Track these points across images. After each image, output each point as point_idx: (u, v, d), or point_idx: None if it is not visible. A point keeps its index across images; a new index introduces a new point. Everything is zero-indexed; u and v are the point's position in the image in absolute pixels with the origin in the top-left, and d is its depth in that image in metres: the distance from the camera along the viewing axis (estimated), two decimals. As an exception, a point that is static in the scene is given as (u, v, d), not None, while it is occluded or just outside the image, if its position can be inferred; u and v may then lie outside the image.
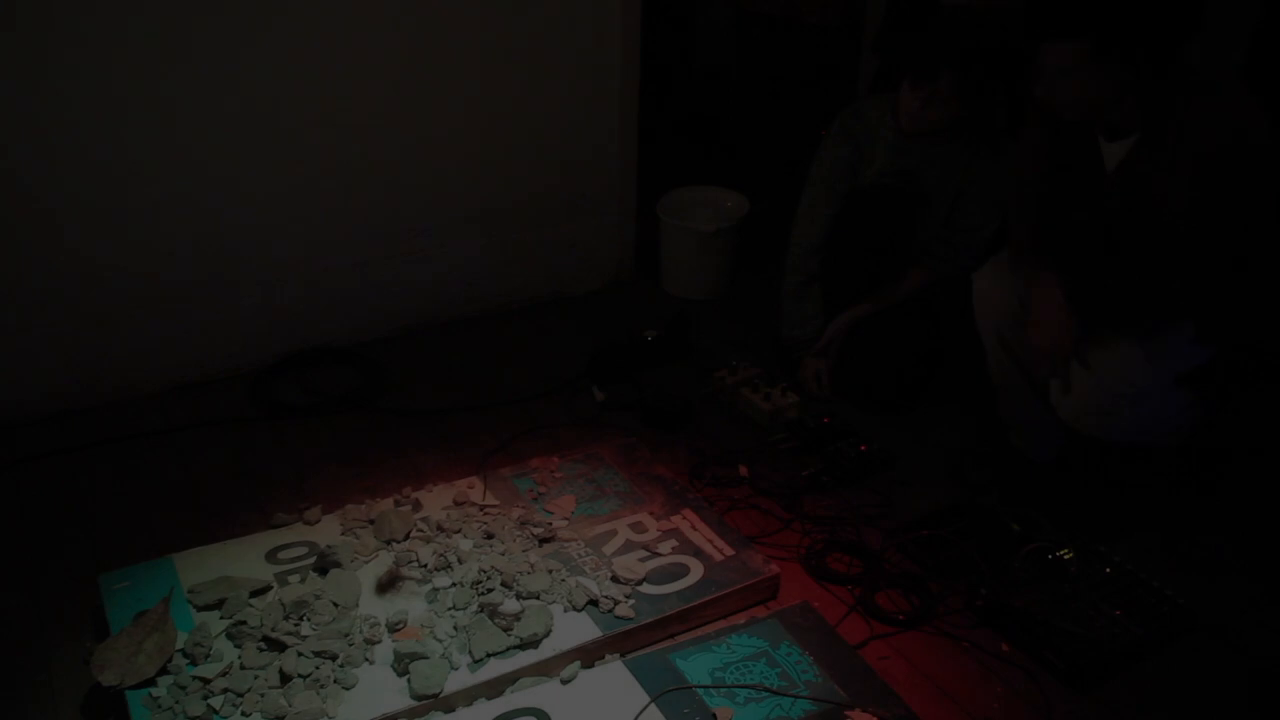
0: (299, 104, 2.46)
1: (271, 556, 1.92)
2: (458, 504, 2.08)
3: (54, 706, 1.69)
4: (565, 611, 1.82)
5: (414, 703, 1.64)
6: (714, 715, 1.64)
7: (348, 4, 2.43)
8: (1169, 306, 1.93)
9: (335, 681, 1.65)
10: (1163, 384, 1.94)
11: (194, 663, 1.67)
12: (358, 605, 1.81)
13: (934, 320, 2.59)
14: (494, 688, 1.69)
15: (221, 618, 1.77)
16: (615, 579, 1.89)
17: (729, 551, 1.99)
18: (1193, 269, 1.85)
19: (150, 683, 1.64)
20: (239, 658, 1.68)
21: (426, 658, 1.68)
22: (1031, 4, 1.81)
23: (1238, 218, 1.79)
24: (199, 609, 1.78)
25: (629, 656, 1.77)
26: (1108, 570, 1.99)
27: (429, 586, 1.86)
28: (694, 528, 2.05)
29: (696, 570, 1.94)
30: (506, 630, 1.75)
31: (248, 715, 1.60)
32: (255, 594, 1.82)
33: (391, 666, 1.69)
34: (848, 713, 1.65)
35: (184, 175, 2.39)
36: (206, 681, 1.63)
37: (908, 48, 2.50)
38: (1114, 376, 1.95)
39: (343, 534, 1.98)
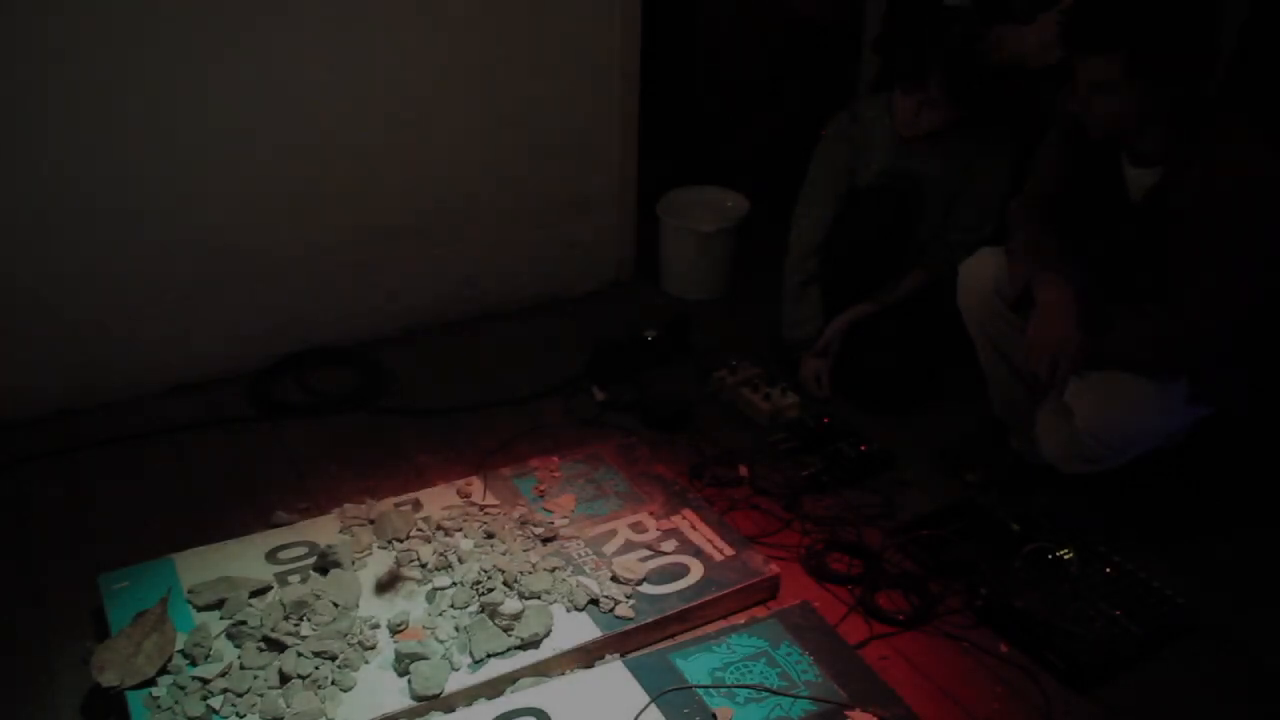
0: (299, 104, 2.46)
1: (271, 556, 1.92)
2: (460, 500, 2.08)
3: (54, 707, 1.69)
4: (567, 611, 1.82)
5: (414, 703, 1.64)
6: (714, 715, 1.64)
7: (348, 5, 2.43)
8: (1170, 359, 1.92)
9: (334, 683, 1.65)
10: (1161, 423, 1.96)
11: (194, 663, 1.67)
12: (358, 605, 1.81)
13: (934, 320, 2.59)
14: (494, 688, 1.69)
15: (221, 618, 1.77)
16: (615, 579, 1.89)
17: (729, 551, 1.99)
18: (1197, 307, 1.85)
19: (150, 683, 1.64)
20: (239, 658, 1.68)
21: (427, 658, 1.68)
22: (1068, 18, 1.84)
23: (1252, 261, 1.81)
24: (199, 609, 1.78)
25: (629, 656, 1.77)
26: (1108, 570, 1.99)
27: (429, 586, 1.86)
28: (694, 528, 2.05)
29: (696, 570, 1.94)
30: (507, 630, 1.75)
31: (243, 716, 1.60)
32: (255, 594, 1.82)
33: (392, 667, 1.69)
34: (848, 713, 1.65)
35: (184, 175, 2.38)
36: (206, 682, 1.63)
37: (898, 54, 2.50)
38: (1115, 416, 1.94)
39: (342, 533, 1.98)
